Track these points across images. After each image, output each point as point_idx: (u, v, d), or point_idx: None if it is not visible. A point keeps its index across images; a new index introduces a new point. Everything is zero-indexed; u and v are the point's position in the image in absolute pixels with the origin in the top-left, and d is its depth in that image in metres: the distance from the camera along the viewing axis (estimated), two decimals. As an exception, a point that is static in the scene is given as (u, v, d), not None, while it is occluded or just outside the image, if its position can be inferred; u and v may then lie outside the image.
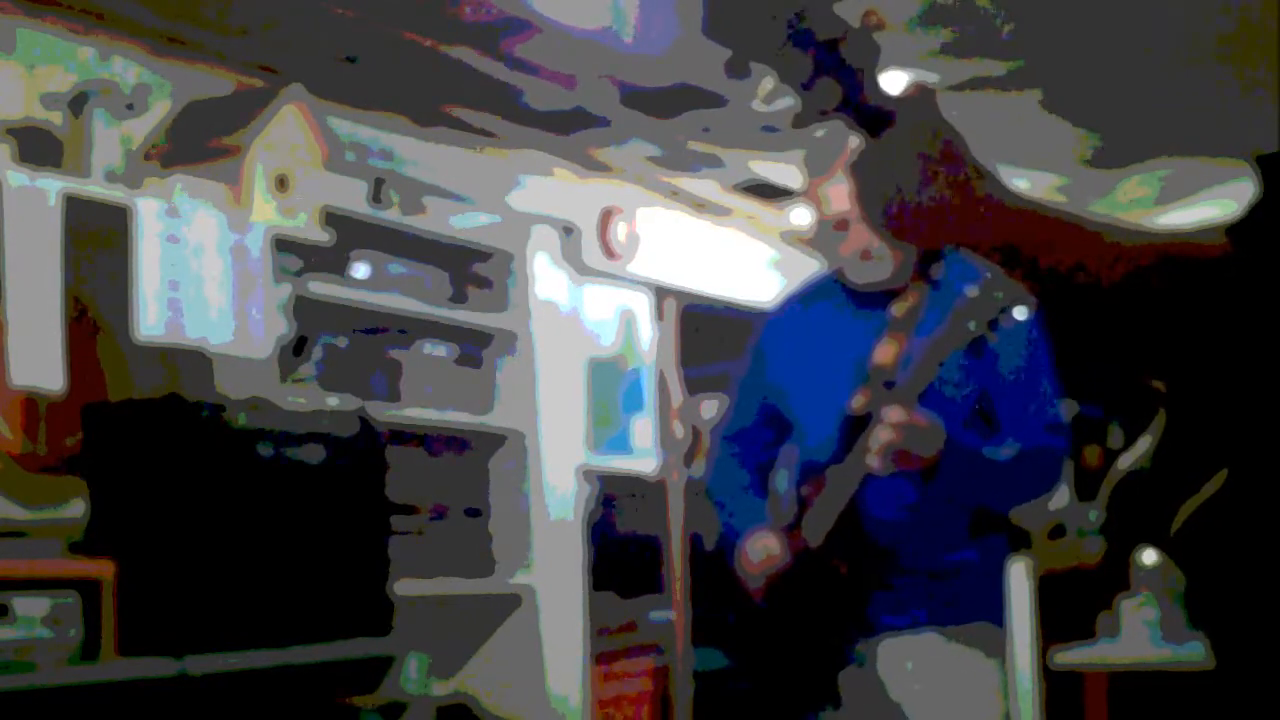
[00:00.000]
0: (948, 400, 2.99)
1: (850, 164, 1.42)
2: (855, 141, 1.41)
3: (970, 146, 1.44)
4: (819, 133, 2.91)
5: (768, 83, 1.37)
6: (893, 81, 1.39)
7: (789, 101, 1.38)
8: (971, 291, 2.86)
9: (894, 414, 2.90)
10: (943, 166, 1.40)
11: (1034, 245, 1.45)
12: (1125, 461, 1.63)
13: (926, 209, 1.41)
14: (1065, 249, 1.45)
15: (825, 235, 3.19)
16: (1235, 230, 1.48)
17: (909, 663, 3.09)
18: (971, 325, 2.87)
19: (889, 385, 2.99)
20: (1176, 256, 1.47)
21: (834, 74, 1.35)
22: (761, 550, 3.16)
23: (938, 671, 3.09)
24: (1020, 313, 2.85)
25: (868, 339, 3.11)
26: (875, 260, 3.12)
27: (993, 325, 2.86)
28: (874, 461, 2.93)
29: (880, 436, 2.91)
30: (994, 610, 3.19)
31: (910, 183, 1.40)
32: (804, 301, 3.35)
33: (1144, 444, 1.59)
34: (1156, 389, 1.53)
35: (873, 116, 1.38)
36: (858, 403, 3.05)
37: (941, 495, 3.01)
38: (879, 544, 3.05)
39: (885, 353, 3.07)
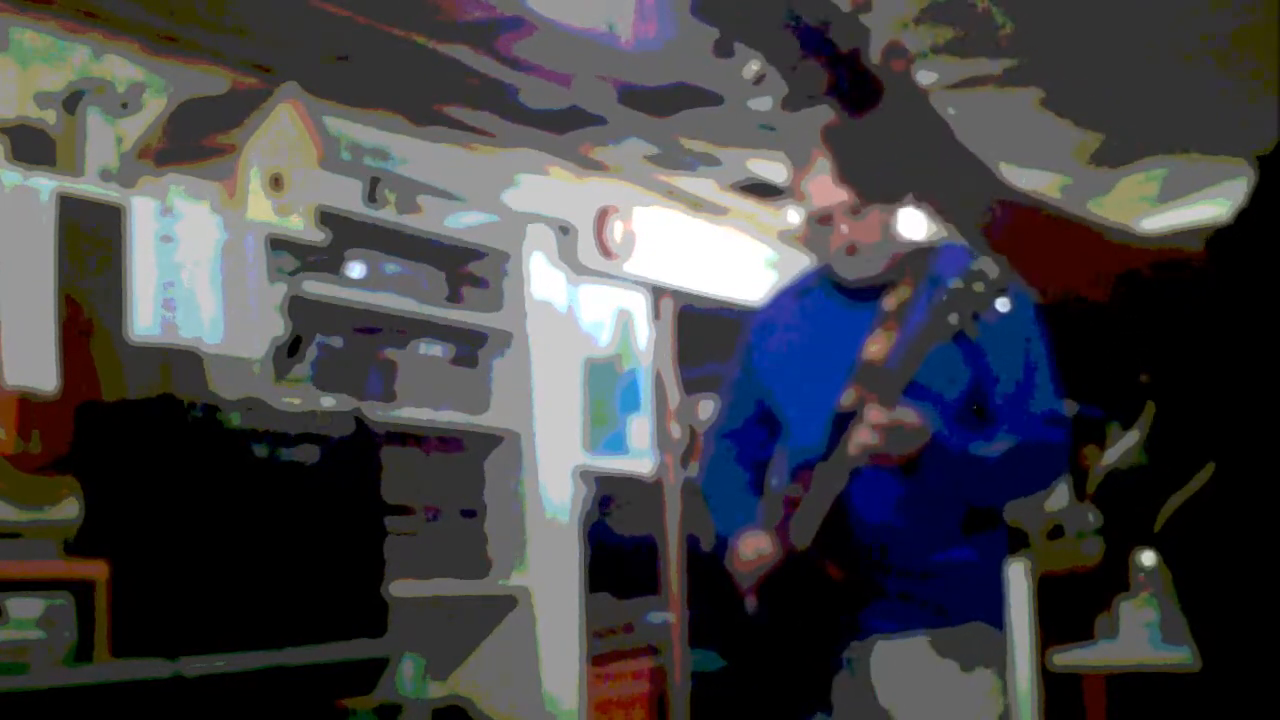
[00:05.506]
0: (937, 395, 2.94)
1: (825, 134, 1.41)
2: (827, 117, 1.40)
3: (968, 144, 1.43)
4: (801, 122, 2.88)
5: (753, 65, 1.36)
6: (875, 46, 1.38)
7: (777, 91, 1.37)
8: (954, 284, 2.82)
9: (874, 413, 2.85)
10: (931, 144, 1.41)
11: (1025, 235, 1.45)
12: (1111, 457, 1.62)
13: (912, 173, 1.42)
14: (1057, 243, 1.45)
15: (812, 230, 3.14)
16: (1222, 233, 1.47)
17: (900, 667, 3.04)
18: (953, 319, 2.82)
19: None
20: (1161, 256, 1.47)
21: (821, 57, 1.34)
22: (753, 550, 3.10)
23: (929, 675, 3.02)
24: (1002, 305, 2.79)
25: (858, 334, 3.05)
26: (862, 255, 3.07)
27: (975, 318, 2.81)
28: (855, 451, 2.88)
29: (860, 434, 2.87)
30: (987, 611, 3.10)
31: (900, 153, 1.40)
32: (793, 297, 3.27)
33: (1130, 439, 1.58)
34: (1145, 385, 1.52)
35: (861, 99, 1.37)
36: (848, 399, 2.99)
37: (927, 493, 2.96)
38: (868, 545, 3.00)
39: (876, 347, 3.02)
